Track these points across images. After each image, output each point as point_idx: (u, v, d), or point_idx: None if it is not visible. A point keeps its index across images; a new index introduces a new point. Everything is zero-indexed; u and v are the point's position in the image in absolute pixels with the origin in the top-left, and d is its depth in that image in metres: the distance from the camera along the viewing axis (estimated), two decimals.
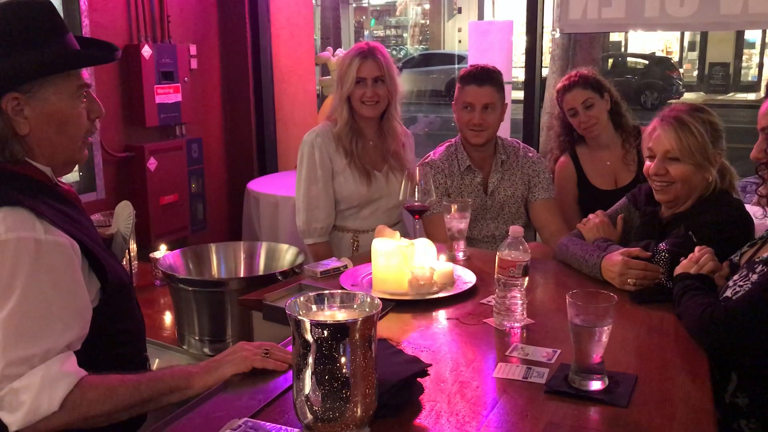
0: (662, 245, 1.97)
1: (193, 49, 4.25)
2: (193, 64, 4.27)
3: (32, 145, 1.46)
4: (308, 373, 1.15)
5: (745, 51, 21.28)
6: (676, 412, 1.33)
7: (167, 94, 4.01)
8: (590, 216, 2.31)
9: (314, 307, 1.24)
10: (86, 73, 1.53)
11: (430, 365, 1.45)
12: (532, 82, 3.91)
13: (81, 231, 1.45)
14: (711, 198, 2.07)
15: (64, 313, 1.34)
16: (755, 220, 2.05)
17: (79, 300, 1.38)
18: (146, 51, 3.86)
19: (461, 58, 15.99)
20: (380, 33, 25.15)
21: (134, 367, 1.56)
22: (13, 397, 1.26)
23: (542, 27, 3.86)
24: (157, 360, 2.22)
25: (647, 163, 2.13)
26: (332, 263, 2.25)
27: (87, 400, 1.31)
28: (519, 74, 4.38)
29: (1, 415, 1.28)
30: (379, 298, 1.25)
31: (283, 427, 1.21)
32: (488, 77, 2.69)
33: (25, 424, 1.27)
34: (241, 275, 2.56)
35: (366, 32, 24.59)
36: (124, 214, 1.89)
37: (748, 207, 2.10)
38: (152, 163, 3.94)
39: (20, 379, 1.27)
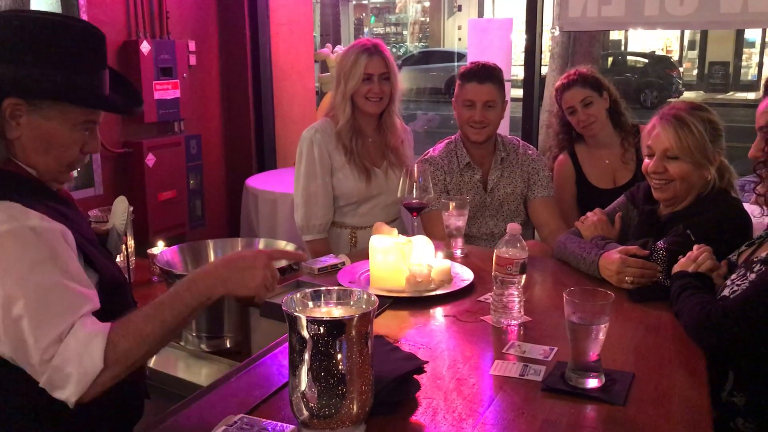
0: (660, 244, 1.97)
1: (192, 45, 4.25)
2: (192, 60, 4.26)
3: (18, 150, 1.43)
4: (304, 369, 1.15)
5: (745, 50, 21.28)
6: (673, 410, 1.33)
7: (166, 90, 4.01)
8: (588, 214, 2.31)
9: (311, 303, 1.24)
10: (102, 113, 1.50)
11: (427, 362, 1.45)
12: (532, 80, 3.90)
13: (74, 229, 1.44)
14: (710, 197, 2.07)
15: (75, 291, 1.34)
16: (753, 219, 2.05)
17: (83, 277, 1.38)
18: (145, 47, 3.85)
19: (461, 56, 15.98)
20: (380, 30, 25.13)
21: None
22: (58, 374, 1.27)
23: (542, 25, 3.86)
24: (153, 356, 2.22)
25: (646, 161, 2.12)
26: (330, 260, 2.25)
27: (122, 351, 1.31)
28: (518, 72, 4.38)
29: (56, 394, 1.28)
30: (377, 295, 1.25)
31: (279, 424, 1.21)
32: (489, 74, 2.68)
33: (80, 392, 1.27)
34: None
35: (366, 29, 24.57)
36: (120, 209, 1.88)
37: (746, 206, 2.10)
38: (150, 159, 3.93)
39: (57, 356, 1.27)
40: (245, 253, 1.46)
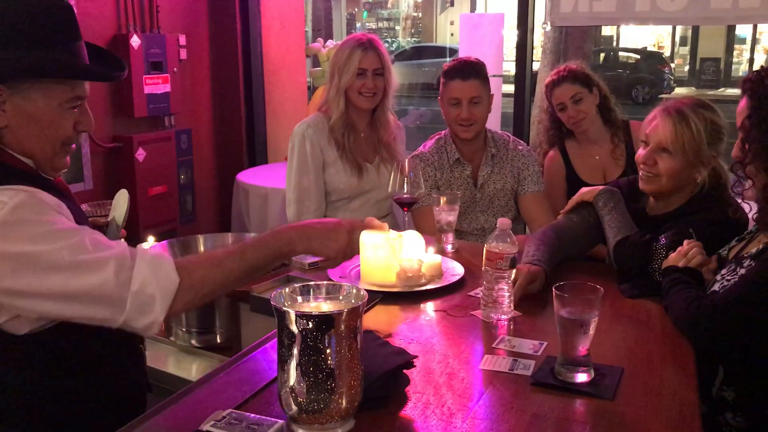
0: (663, 240, 1.95)
1: (182, 39, 4.23)
2: (183, 54, 4.25)
3: (9, 139, 1.42)
4: (293, 364, 1.15)
5: (736, 46, 21.36)
6: (662, 404, 1.34)
7: (156, 85, 3.99)
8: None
9: (300, 298, 1.24)
10: (87, 85, 1.48)
11: (416, 357, 1.44)
12: (523, 76, 3.91)
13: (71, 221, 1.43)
14: (704, 197, 2.03)
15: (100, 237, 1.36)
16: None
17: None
18: (135, 41, 3.83)
19: (453, 51, 15.97)
20: (372, 25, 25.08)
21: (129, 360, 1.55)
22: (141, 297, 1.29)
23: (533, 20, 3.86)
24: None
25: (640, 150, 2.08)
26: None
27: (197, 278, 1.35)
28: (510, 68, 4.37)
29: (141, 322, 1.30)
30: (367, 290, 1.25)
31: (268, 419, 1.20)
32: (472, 71, 2.67)
33: (165, 311, 1.31)
34: None
35: (358, 24, 24.52)
36: (121, 202, 1.89)
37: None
38: (141, 154, 3.92)
39: (133, 280, 1.29)
40: (329, 220, 1.56)
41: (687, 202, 2.06)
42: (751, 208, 1.77)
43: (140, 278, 1.29)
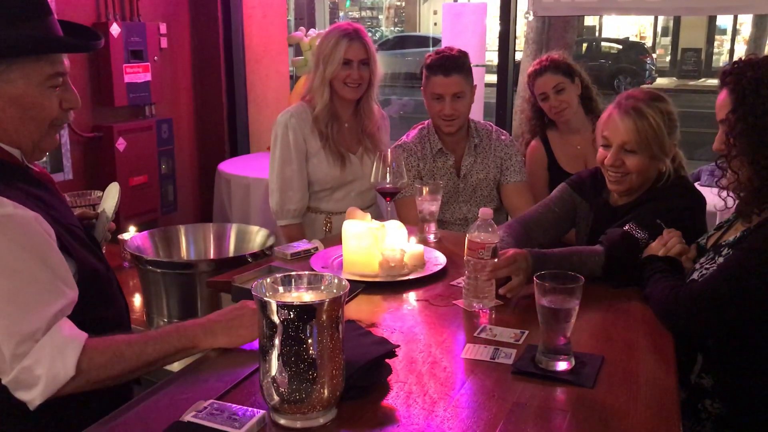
0: (639, 234, 1.95)
1: (162, 28, 4.18)
2: (163, 42, 4.20)
3: None
4: (275, 354, 1.14)
5: (717, 37, 21.54)
6: (641, 392, 1.35)
7: (136, 74, 3.95)
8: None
9: (281, 288, 1.23)
10: (66, 61, 1.45)
11: (398, 346, 1.44)
12: (506, 66, 3.91)
13: (53, 216, 1.41)
14: (667, 184, 2.05)
15: (53, 281, 1.33)
16: (719, 209, 2.05)
17: (62, 267, 1.37)
18: (115, 29, 3.78)
19: (436, 41, 15.97)
20: (355, 14, 24.97)
21: None
22: (28, 374, 1.26)
23: (516, 10, 3.87)
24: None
25: (601, 151, 2.08)
26: (303, 245, 2.24)
27: (95, 365, 1.32)
28: (493, 57, 4.37)
29: (19, 395, 1.27)
30: (350, 280, 1.25)
31: (250, 409, 1.20)
32: (454, 65, 2.66)
33: (46, 396, 1.27)
34: (211, 257, 2.54)
35: (341, 13, 24.40)
36: (111, 194, 1.88)
37: (709, 195, 2.09)
38: (121, 144, 3.88)
39: (29, 356, 1.26)
40: (240, 311, 1.48)
41: (648, 190, 2.08)
42: (735, 202, 1.78)
43: (35, 357, 1.26)
